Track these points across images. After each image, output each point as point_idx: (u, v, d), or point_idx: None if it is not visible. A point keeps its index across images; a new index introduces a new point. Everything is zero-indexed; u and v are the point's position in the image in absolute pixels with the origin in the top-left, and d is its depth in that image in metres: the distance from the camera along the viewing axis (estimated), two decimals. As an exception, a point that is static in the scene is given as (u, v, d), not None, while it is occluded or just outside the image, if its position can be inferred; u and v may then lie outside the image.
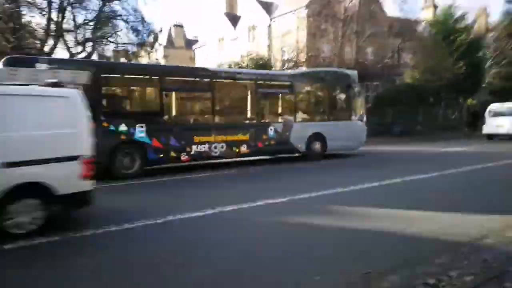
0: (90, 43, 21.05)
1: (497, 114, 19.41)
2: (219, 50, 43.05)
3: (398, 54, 25.79)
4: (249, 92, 11.46)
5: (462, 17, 28.06)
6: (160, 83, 9.69)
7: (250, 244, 4.31)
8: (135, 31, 20.81)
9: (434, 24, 28.15)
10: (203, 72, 10.83)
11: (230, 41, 41.44)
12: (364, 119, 13.39)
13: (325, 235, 4.52)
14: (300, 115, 12.12)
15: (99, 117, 8.36)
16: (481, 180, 8.18)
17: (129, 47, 23.21)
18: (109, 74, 9.37)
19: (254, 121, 11.21)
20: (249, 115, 11.55)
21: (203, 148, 9.92)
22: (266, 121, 11.46)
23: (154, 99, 10.01)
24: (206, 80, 10.40)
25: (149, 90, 10.30)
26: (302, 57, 27.37)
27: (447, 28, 26.94)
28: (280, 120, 11.85)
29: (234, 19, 41.62)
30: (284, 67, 29.10)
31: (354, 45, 23.41)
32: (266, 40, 33.86)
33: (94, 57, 22.13)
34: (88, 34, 21.26)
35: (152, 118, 9.45)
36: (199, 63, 45.32)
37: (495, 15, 37.25)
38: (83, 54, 21.26)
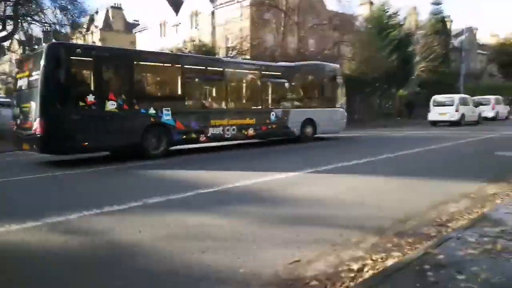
0: (11, 21, 19.05)
1: (440, 104, 21.98)
2: (161, 35, 41.54)
3: (338, 46, 26.54)
4: (255, 81, 12.73)
5: (394, 14, 29.65)
6: (182, 71, 10.64)
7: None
8: (64, 10, 19.16)
9: (369, 19, 29.41)
10: (218, 62, 12.22)
11: (173, 27, 40.10)
12: (345, 107, 15.29)
13: (275, 216, 4.35)
14: (295, 103, 13.56)
15: (132, 101, 9.34)
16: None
17: (60, 28, 21.44)
18: (141, 62, 10.23)
19: (259, 107, 12.54)
20: (255, 101, 12.77)
21: (218, 130, 11.09)
22: (269, 107, 12.74)
23: (177, 85, 10.81)
24: (220, 69, 11.51)
25: (173, 77, 10.95)
26: (246, 45, 27.21)
27: (381, 24, 28.31)
28: (280, 107, 12.99)
29: (176, 4, 40.24)
30: (228, 55, 28.72)
31: (296, 35, 23.64)
32: (209, 27, 33.13)
33: (17, 36, 20.12)
34: (9, 11, 19.24)
35: (176, 102, 10.37)
36: (141, 47, 43.53)
37: (424, 15, 39.80)
38: (3, 33, 19.27)
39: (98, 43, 48.08)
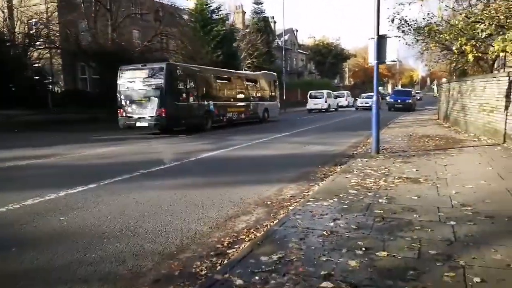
0: None
1: (314, 97, 30.84)
2: None
3: (162, 39, 24.99)
4: (243, 84, 18.98)
5: (217, 9, 29.77)
6: (216, 79, 16.77)
7: None
8: None
9: (194, 13, 28.79)
10: (228, 72, 18.80)
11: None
12: (278, 100, 23.47)
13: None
14: (260, 98, 20.30)
15: (198, 98, 15.31)
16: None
17: None
18: (198, 73, 15.90)
19: (246, 101, 18.82)
20: (244, 97, 18.74)
21: (229, 115, 17.28)
22: (249, 101, 19.15)
23: (214, 88, 16.64)
24: (228, 76, 18.03)
25: (213, 83, 16.56)
26: (52, 32, 23.16)
27: (204, 18, 27.97)
28: (253, 100, 19.54)
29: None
30: (33, 43, 23.88)
31: (109, 24, 21.06)
32: (4, 9, 26.85)
33: None
34: None
35: (214, 99, 16.27)
36: None
37: (250, 13, 41.83)
38: None
39: None
